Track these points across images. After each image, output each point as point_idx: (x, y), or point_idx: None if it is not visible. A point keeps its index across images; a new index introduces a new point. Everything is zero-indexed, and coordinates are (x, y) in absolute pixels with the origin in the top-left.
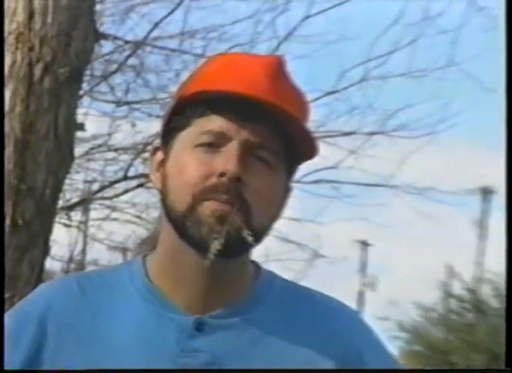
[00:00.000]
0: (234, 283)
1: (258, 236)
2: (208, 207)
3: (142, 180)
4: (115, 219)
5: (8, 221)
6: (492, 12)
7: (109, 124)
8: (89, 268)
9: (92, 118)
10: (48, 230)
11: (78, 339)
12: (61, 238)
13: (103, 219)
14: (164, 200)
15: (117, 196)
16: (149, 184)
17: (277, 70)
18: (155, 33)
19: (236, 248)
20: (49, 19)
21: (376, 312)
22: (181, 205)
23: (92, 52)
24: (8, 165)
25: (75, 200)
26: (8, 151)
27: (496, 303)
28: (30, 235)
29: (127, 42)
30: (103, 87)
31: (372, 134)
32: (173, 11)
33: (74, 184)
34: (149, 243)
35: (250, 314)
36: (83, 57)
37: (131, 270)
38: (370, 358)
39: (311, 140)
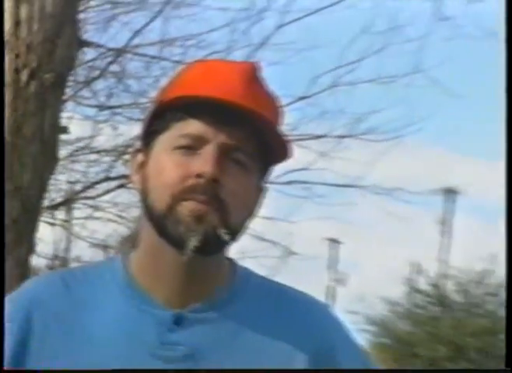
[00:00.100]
0: (211, 279)
1: (234, 234)
2: (186, 207)
3: (123, 181)
4: (97, 218)
5: None
6: (455, 22)
7: (92, 128)
8: (73, 265)
9: (75, 122)
10: (34, 228)
11: (63, 333)
12: (46, 236)
13: (86, 218)
14: (144, 200)
15: (99, 196)
16: (130, 185)
17: (252, 76)
18: (135, 41)
19: (213, 246)
20: (35, 28)
21: (346, 307)
22: (161, 205)
23: (75, 59)
24: None
25: (59, 199)
26: None
27: (460, 297)
28: (17, 233)
29: (109, 49)
30: (86, 92)
31: (342, 137)
32: (152, 20)
33: (58, 184)
34: (129, 241)
35: (227, 309)
36: (67, 64)
37: (113, 267)
38: (342, 350)
39: (284, 143)
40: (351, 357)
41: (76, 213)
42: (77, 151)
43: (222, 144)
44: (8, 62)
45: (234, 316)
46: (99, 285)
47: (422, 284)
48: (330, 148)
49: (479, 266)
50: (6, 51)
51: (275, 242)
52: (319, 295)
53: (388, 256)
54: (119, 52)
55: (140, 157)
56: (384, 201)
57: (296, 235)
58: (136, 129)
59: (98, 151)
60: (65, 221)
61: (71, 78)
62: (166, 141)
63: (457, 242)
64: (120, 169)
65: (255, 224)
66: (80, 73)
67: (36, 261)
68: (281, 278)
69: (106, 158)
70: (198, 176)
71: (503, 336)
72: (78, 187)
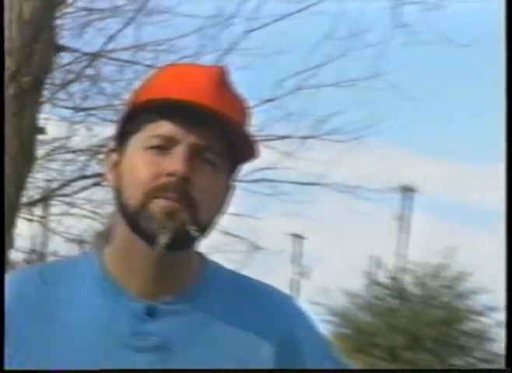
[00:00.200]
0: (182, 272)
1: (204, 231)
2: (158, 204)
3: (98, 179)
4: (73, 214)
5: None
6: (413, 29)
7: (68, 128)
8: (50, 259)
9: (52, 123)
10: (12, 224)
11: (41, 325)
12: (24, 231)
13: (62, 214)
14: (118, 197)
15: (75, 193)
16: (105, 183)
17: (221, 79)
18: (109, 46)
19: (184, 241)
20: (14, 34)
21: (309, 298)
22: (134, 202)
23: (52, 63)
24: None
25: (36, 196)
26: None
27: (417, 290)
28: None
29: (84, 54)
30: (63, 95)
31: (306, 137)
32: (125, 26)
33: (36, 182)
34: (104, 236)
35: (197, 301)
36: (45, 68)
37: (88, 261)
38: (306, 339)
39: (251, 143)
40: (315, 346)
41: (53, 209)
42: (54, 150)
43: (193, 145)
44: None
45: (204, 308)
46: (75, 278)
47: (382, 277)
48: (294, 148)
49: (435, 260)
50: None
51: (243, 237)
52: (284, 288)
53: (349, 250)
54: (94, 56)
55: (114, 156)
56: (345, 198)
57: (262, 231)
58: (110, 130)
59: (74, 151)
60: (42, 217)
61: (48, 81)
62: (138, 141)
63: (415, 238)
64: (94, 167)
65: (224, 221)
66: (57, 76)
67: (14, 255)
68: (248, 272)
69: (82, 158)
70: (170, 174)
71: (457, 326)
72: (54, 185)
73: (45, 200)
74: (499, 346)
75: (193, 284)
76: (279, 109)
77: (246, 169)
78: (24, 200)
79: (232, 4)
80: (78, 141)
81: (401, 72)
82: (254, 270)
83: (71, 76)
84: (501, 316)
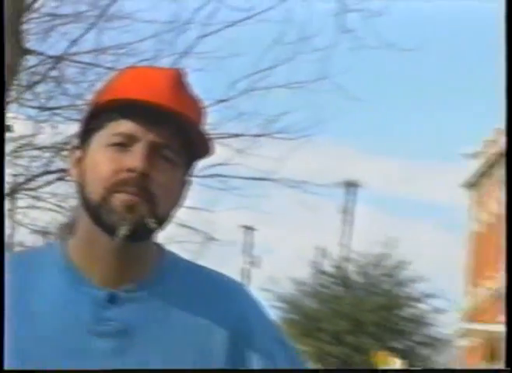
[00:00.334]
0: (142, 262)
1: (161, 223)
2: (118, 198)
3: (62, 174)
4: (38, 207)
5: None
6: (357, 34)
7: (33, 127)
8: (16, 249)
9: (19, 121)
10: None
11: (8, 312)
12: None
13: (28, 207)
14: (81, 191)
15: (40, 187)
16: (68, 178)
17: (178, 81)
18: (73, 49)
19: (143, 233)
20: None
21: (260, 286)
22: (96, 196)
23: (19, 65)
24: None
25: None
26: None
27: (359, 278)
28: None
29: (49, 56)
30: (29, 95)
31: (257, 136)
32: (87, 31)
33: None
34: (67, 228)
35: (155, 288)
36: (12, 70)
37: (52, 251)
38: (257, 324)
39: (207, 140)
40: (265, 331)
41: (19, 202)
42: (20, 147)
43: (151, 142)
44: None
45: (162, 295)
46: (41, 268)
47: (327, 266)
48: (246, 146)
49: (377, 250)
50: None
51: (197, 229)
52: (236, 276)
53: (297, 241)
54: (58, 59)
55: (78, 153)
56: (293, 193)
57: (216, 223)
58: (74, 128)
59: (39, 148)
60: (9, 210)
61: (15, 82)
62: (101, 138)
63: (358, 229)
64: (59, 163)
65: (180, 213)
66: (23, 78)
67: None
68: (203, 261)
69: (47, 154)
70: (130, 170)
71: (397, 312)
72: (21, 180)
73: (12, 194)
74: (436, 331)
75: (152, 273)
76: (232, 109)
77: (201, 164)
78: None
79: (187, 11)
80: (43, 139)
81: (346, 75)
82: (209, 260)
83: (36, 78)
84: (437, 302)
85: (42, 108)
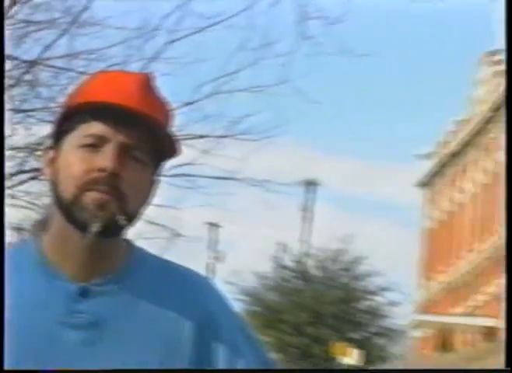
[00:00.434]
0: (112, 257)
1: (131, 220)
2: (89, 197)
3: (35, 173)
4: (13, 205)
5: None
6: (317, 40)
7: (8, 128)
8: None
9: None
10: None
11: None
12: None
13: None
14: (54, 190)
15: (14, 186)
16: (42, 177)
17: (147, 85)
18: (46, 54)
19: (113, 229)
20: None
21: (224, 280)
22: (68, 194)
23: None
24: None
25: None
26: None
27: (318, 272)
28: None
29: (23, 61)
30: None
31: (221, 137)
32: (60, 36)
33: None
34: (41, 225)
35: (125, 282)
36: None
37: (27, 247)
38: (222, 316)
39: (174, 141)
40: (230, 322)
41: None
42: None
43: (121, 143)
44: None
45: (131, 288)
46: (16, 263)
47: (287, 260)
48: (211, 147)
49: (335, 246)
50: None
51: (165, 225)
52: (201, 270)
53: (259, 237)
54: (32, 64)
55: (51, 153)
56: (256, 191)
57: (182, 220)
58: (47, 129)
59: (13, 148)
60: None
61: None
62: (73, 140)
63: (317, 226)
64: (32, 163)
65: (148, 211)
66: None
67: None
68: (170, 256)
69: (21, 154)
70: (100, 170)
71: (354, 305)
72: None
73: None
74: (391, 322)
75: (121, 268)
76: (198, 112)
77: (168, 164)
78: None
79: (155, 18)
80: (17, 140)
81: (306, 79)
82: (175, 255)
83: (11, 81)
84: (392, 295)
85: (16, 110)
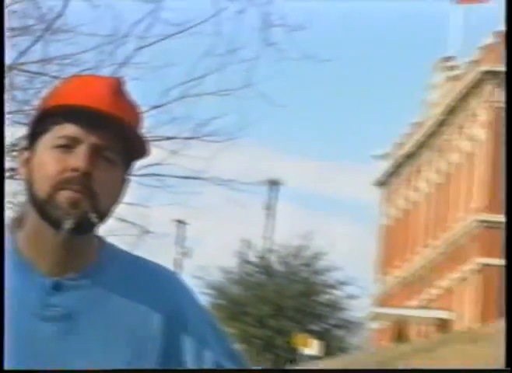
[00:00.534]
0: (84, 253)
1: (103, 218)
2: (63, 195)
3: (11, 173)
4: None
5: None
6: (280, 46)
7: None
8: None
9: None
10: None
11: None
12: None
13: None
14: (29, 189)
15: None
16: (17, 176)
17: (117, 88)
18: (21, 59)
19: (85, 227)
20: None
21: (191, 274)
22: (42, 193)
23: None
24: None
25: None
26: None
27: (281, 267)
28: None
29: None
30: None
31: (188, 138)
32: (35, 43)
33: None
34: (17, 223)
35: (97, 277)
36: None
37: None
38: (189, 309)
39: (143, 143)
40: (197, 315)
41: None
42: None
43: (93, 144)
44: None
45: (103, 283)
46: None
47: (251, 256)
48: (178, 148)
49: (296, 243)
50: None
51: (134, 223)
52: (169, 265)
53: (224, 234)
54: (7, 68)
55: (26, 154)
56: (221, 190)
57: (151, 218)
58: (22, 131)
59: None
60: None
61: None
62: (47, 141)
63: (279, 223)
64: (8, 163)
65: (119, 209)
66: None
67: None
68: (139, 252)
69: None
70: (73, 170)
71: (314, 298)
72: None
73: None
74: (350, 314)
75: (93, 263)
76: (166, 114)
77: (138, 164)
78: None
79: (126, 25)
80: None
81: (269, 83)
82: (144, 251)
83: None
84: (351, 289)
85: None
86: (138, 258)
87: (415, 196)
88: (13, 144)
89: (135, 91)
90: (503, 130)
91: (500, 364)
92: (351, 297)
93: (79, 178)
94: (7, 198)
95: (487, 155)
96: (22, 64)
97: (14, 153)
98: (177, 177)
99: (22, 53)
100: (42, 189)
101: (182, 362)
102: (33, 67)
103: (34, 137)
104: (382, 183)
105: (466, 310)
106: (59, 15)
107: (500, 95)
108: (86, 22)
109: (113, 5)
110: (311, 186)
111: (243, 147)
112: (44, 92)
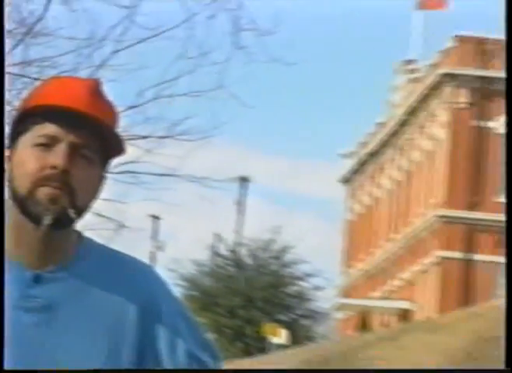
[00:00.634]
0: (63, 247)
1: (81, 213)
2: (42, 192)
3: None
4: None
5: None
6: (249, 50)
7: None
8: None
9: None
10: None
11: None
12: None
13: None
14: (10, 186)
15: None
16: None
17: (95, 89)
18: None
19: (64, 221)
20: None
21: (165, 267)
22: (23, 190)
23: None
24: None
25: None
26: None
27: (250, 260)
28: None
29: None
30: None
31: (163, 137)
32: (15, 46)
33: None
34: None
35: (75, 269)
36: None
37: None
38: (164, 300)
39: (120, 141)
40: (171, 306)
41: None
42: None
43: (72, 143)
44: None
45: (81, 275)
46: None
47: (223, 249)
48: (153, 146)
49: (265, 237)
50: None
51: (111, 218)
52: (144, 259)
53: (197, 228)
54: None
55: (7, 152)
56: (194, 187)
57: (127, 213)
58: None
59: None
60: None
61: None
62: (27, 140)
63: (249, 218)
64: None
65: (96, 204)
66: None
67: None
68: (115, 246)
69: None
70: (52, 167)
71: (282, 289)
72: None
73: None
74: (316, 305)
75: (72, 256)
76: (141, 114)
77: (115, 162)
78: None
79: (103, 29)
80: None
81: (240, 85)
82: (120, 245)
83: None
84: (317, 281)
85: None
86: (114, 251)
87: (379, 192)
88: None
89: (111, 92)
90: (461, 130)
91: (458, 351)
92: (317, 288)
93: (58, 175)
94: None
95: (446, 154)
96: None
97: None
98: (152, 174)
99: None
100: (22, 185)
101: (156, 350)
102: (14, 70)
103: (15, 137)
104: (347, 180)
105: (426, 301)
106: (39, 20)
107: (458, 97)
108: (65, 26)
109: (91, 9)
110: (280, 183)
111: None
112: (25, 93)
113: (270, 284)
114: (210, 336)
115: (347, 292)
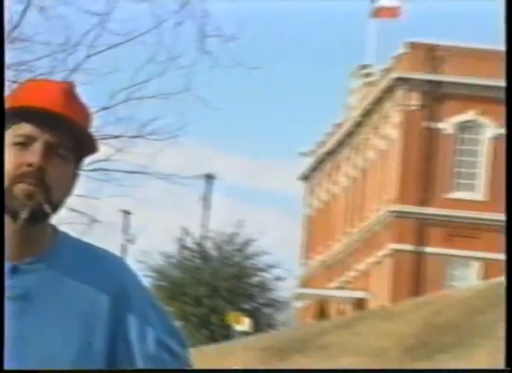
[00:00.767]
0: (39, 240)
1: (56, 208)
2: (19, 188)
3: None
4: None
5: None
6: (215, 55)
7: None
8: None
9: None
10: None
11: None
12: None
13: None
14: None
15: None
16: None
17: (69, 92)
18: None
19: (40, 216)
20: None
21: (135, 259)
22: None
23: None
24: None
25: None
26: None
27: (215, 252)
28: None
29: None
30: None
31: (133, 137)
32: None
33: None
34: None
35: (50, 261)
36: None
37: None
38: (134, 291)
39: (93, 140)
40: (141, 296)
41: None
42: None
43: (47, 142)
44: None
45: (56, 267)
46: None
47: (189, 242)
48: (124, 145)
49: (229, 230)
50: None
51: (84, 213)
52: (115, 251)
53: (165, 222)
54: None
55: None
56: (163, 183)
57: (99, 208)
58: None
59: None
60: None
61: None
62: (5, 139)
63: (214, 213)
64: None
65: (70, 200)
66: None
67: None
68: (88, 239)
69: None
70: (29, 165)
71: (246, 280)
72: None
73: None
74: (277, 295)
75: (48, 249)
76: (113, 115)
77: (88, 160)
78: None
79: (77, 35)
80: None
81: (206, 88)
82: (93, 238)
83: None
84: (278, 272)
85: None
86: (87, 244)
87: (336, 189)
88: None
89: (84, 94)
90: (413, 130)
91: (409, 337)
92: (278, 279)
93: (34, 172)
94: None
95: (399, 153)
96: None
97: None
98: (123, 172)
99: None
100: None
101: (128, 337)
102: None
103: None
104: (306, 177)
105: (380, 290)
106: (16, 26)
107: (410, 99)
108: (41, 32)
109: (65, 17)
110: (243, 181)
111: (182, 145)
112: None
113: (234, 274)
114: (178, 324)
115: (306, 282)
